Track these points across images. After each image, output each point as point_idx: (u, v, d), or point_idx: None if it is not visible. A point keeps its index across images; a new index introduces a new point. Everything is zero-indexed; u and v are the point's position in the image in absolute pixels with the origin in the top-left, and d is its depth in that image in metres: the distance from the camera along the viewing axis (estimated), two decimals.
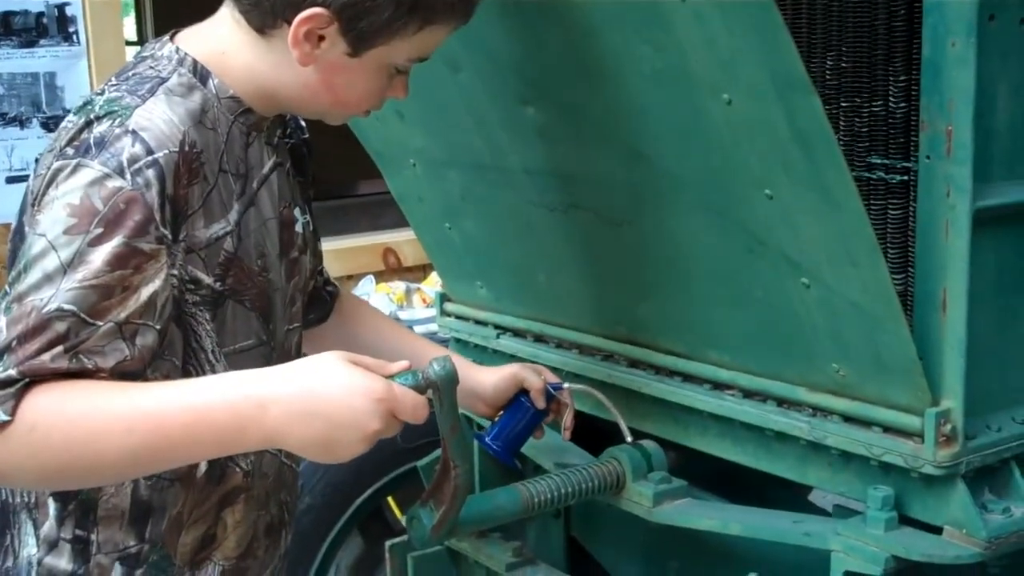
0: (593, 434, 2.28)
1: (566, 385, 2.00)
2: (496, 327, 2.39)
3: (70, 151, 1.35)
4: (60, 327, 1.28)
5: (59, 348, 1.28)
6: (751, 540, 1.92)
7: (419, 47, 1.48)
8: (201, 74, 1.45)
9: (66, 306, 1.29)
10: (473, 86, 1.95)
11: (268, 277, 1.54)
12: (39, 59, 3.96)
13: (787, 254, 1.66)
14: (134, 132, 1.35)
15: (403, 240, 4.69)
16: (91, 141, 1.34)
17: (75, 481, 1.38)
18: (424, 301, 4.45)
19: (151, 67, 1.44)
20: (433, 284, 4.45)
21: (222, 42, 1.48)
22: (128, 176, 1.32)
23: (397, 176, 2.34)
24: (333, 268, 4.82)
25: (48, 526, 1.47)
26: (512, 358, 2.36)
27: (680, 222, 1.81)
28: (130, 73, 1.45)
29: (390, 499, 2.83)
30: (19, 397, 1.26)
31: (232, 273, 1.47)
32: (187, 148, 1.38)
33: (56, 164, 1.34)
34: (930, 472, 1.64)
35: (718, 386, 1.94)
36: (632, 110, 1.72)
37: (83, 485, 1.42)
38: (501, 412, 2.00)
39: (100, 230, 1.31)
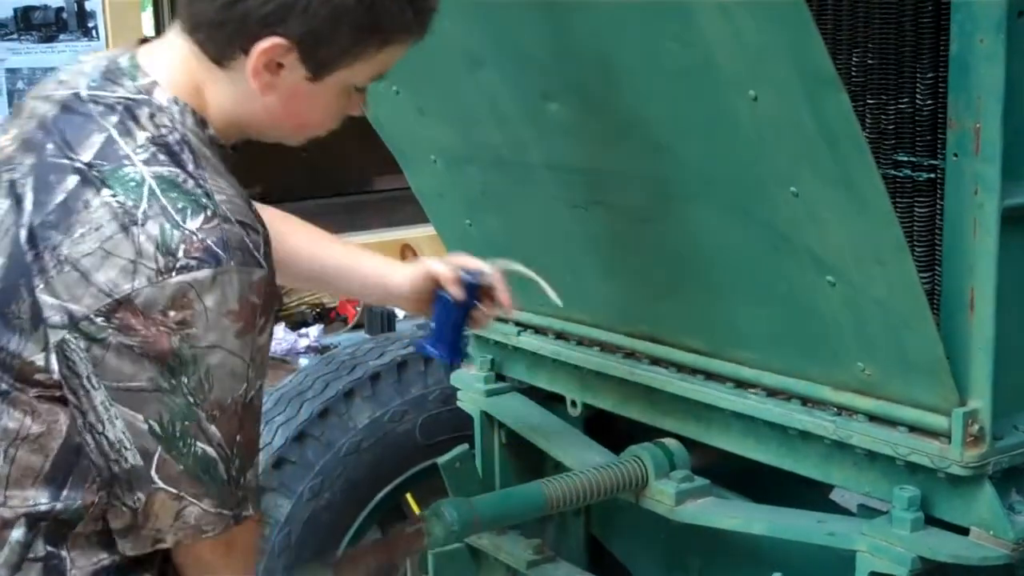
0: (614, 432, 2.27)
1: (484, 268, 1.93)
2: (517, 324, 2.38)
3: (192, 263, 1.30)
4: (256, 403, 1.40)
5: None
6: (774, 539, 1.92)
7: (378, 67, 1.47)
8: (202, 124, 1.43)
9: (254, 383, 1.38)
10: (495, 82, 1.94)
11: None
12: (59, 54, 3.97)
13: (812, 252, 1.65)
14: (240, 222, 1.34)
15: (421, 236, 4.68)
16: (211, 246, 1.31)
17: None
18: None
19: (165, 126, 1.39)
20: None
21: (194, 76, 1.44)
22: (263, 260, 1.35)
23: (418, 172, 2.34)
24: None
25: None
26: (533, 356, 2.35)
27: (704, 219, 1.79)
28: (140, 132, 1.38)
29: (409, 496, 2.82)
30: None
31: None
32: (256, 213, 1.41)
33: (179, 279, 1.29)
34: (957, 472, 1.62)
35: (741, 384, 1.93)
36: (656, 106, 1.71)
37: None
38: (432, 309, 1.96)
39: (263, 319, 1.36)
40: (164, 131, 1.38)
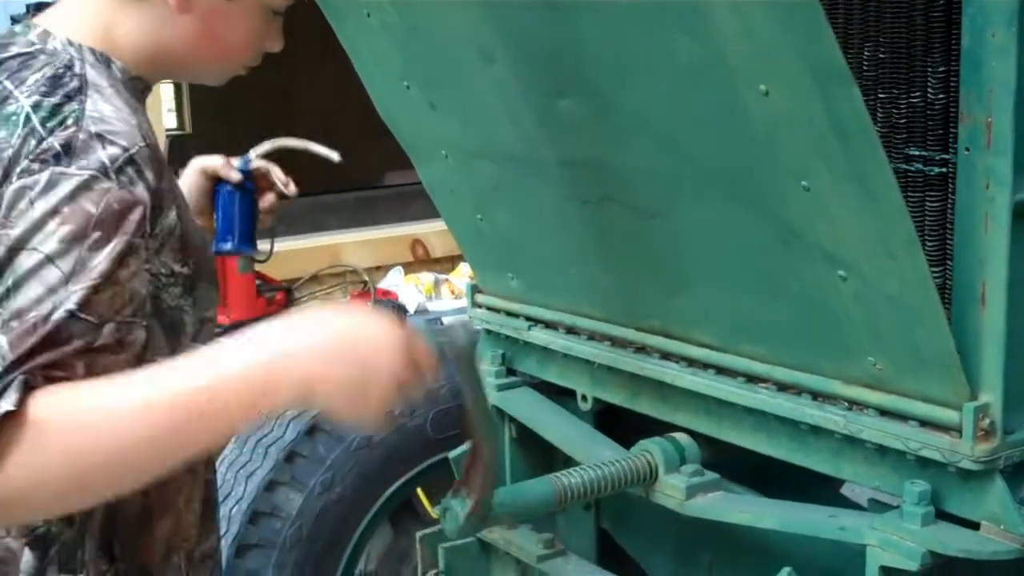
0: (624, 427, 2.27)
1: (251, 154, 1.92)
2: (527, 319, 2.38)
3: (35, 166, 1.27)
4: (75, 330, 1.24)
5: (74, 354, 1.24)
6: (785, 534, 1.91)
7: None
8: (104, 61, 1.41)
9: (78, 312, 1.24)
10: (507, 77, 1.94)
11: (207, 249, 1.54)
12: None
13: (824, 246, 1.64)
14: (99, 135, 1.30)
15: (431, 231, 4.69)
16: (57, 150, 1.28)
17: (94, 483, 1.26)
18: (452, 292, 4.45)
19: (51, 64, 1.37)
20: (461, 275, 4.45)
21: (99, 17, 1.43)
22: (113, 176, 1.29)
23: (429, 167, 2.34)
24: (362, 259, 4.86)
25: None
26: (544, 350, 2.36)
27: (715, 214, 1.79)
28: (32, 75, 1.36)
29: (419, 490, 2.83)
30: (24, 399, 1.19)
31: (191, 255, 1.44)
32: (147, 139, 1.35)
33: (20, 182, 1.27)
34: (968, 467, 1.62)
35: (752, 379, 1.92)
36: (667, 101, 1.71)
37: (102, 489, 1.30)
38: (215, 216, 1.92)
39: (98, 234, 1.27)
40: (52, 67, 1.36)
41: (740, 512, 1.94)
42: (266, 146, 1.94)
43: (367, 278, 4.49)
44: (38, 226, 1.25)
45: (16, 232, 1.26)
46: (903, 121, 1.71)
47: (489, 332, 2.50)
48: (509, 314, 2.43)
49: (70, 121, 1.30)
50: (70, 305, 1.24)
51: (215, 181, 1.90)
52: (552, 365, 2.37)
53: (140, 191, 1.31)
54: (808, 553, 1.94)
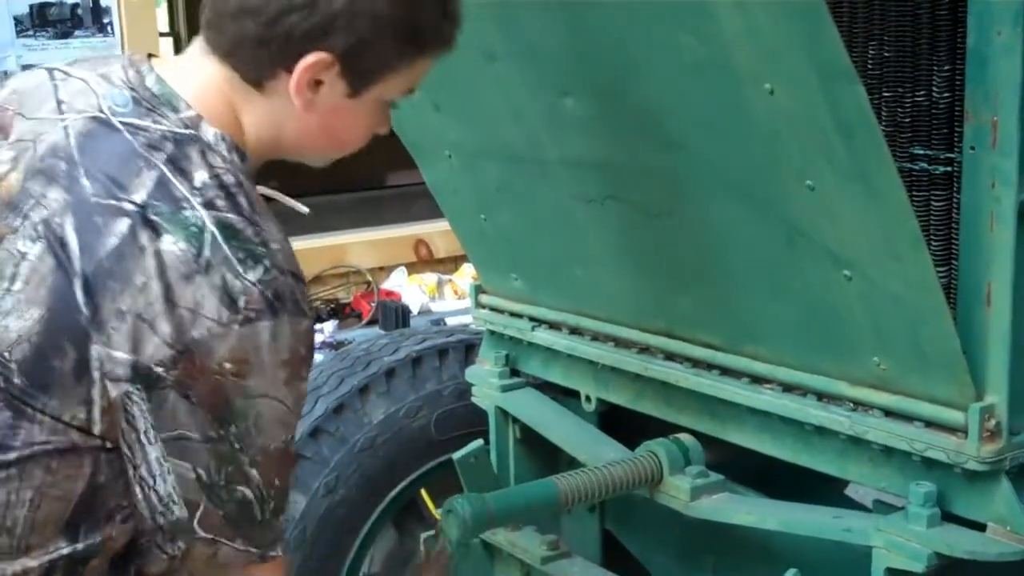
0: (628, 428, 2.27)
1: None
2: (531, 319, 2.38)
3: (251, 315, 1.29)
4: (294, 450, 1.43)
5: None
6: (789, 535, 1.91)
7: (412, 80, 1.47)
8: (242, 157, 1.40)
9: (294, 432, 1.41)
10: (511, 76, 1.94)
11: None
12: (74, 50, 3.98)
13: (828, 246, 1.64)
14: (291, 272, 1.34)
15: (435, 232, 4.69)
16: (270, 301, 1.31)
17: None
18: (456, 293, 4.45)
19: (219, 167, 1.35)
20: (465, 276, 4.44)
21: (229, 103, 1.40)
22: (308, 310, 1.36)
23: (432, 167, 2.33)
24: (365, 260, 4.86)
25: None
26: (548, 351, 2.35)
27: (719, 214, 1.79)
28: (197, 173, 1.33)
29: (423, 492, 2.82)
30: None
31: None
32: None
33: (243, 330, 1.29)
34: (973, 468, 1.62)
35: (756, 380, 1.92)
36: (672, 100, 1.71)
37: None
38: None
39: (306, 367, 1.38)
40: (219, 171, 1.35)
41: (745, 513, 1.93)
42: None
43: (371, 278, 4.49)
44: (270, 377, 1.33)
45: (246, 383, 1.31)
46: (908, 120, 1.70)
47: (493, 333, 2.49)
48: (513, 315, 2.43)
49: (267, 262, 1.32)
50: (294, 432, 1.40)
51: None
52: (556, 366, 2.36)
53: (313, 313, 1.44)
54: (813, 555, 1.93)
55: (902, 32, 1.68)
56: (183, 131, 1.36)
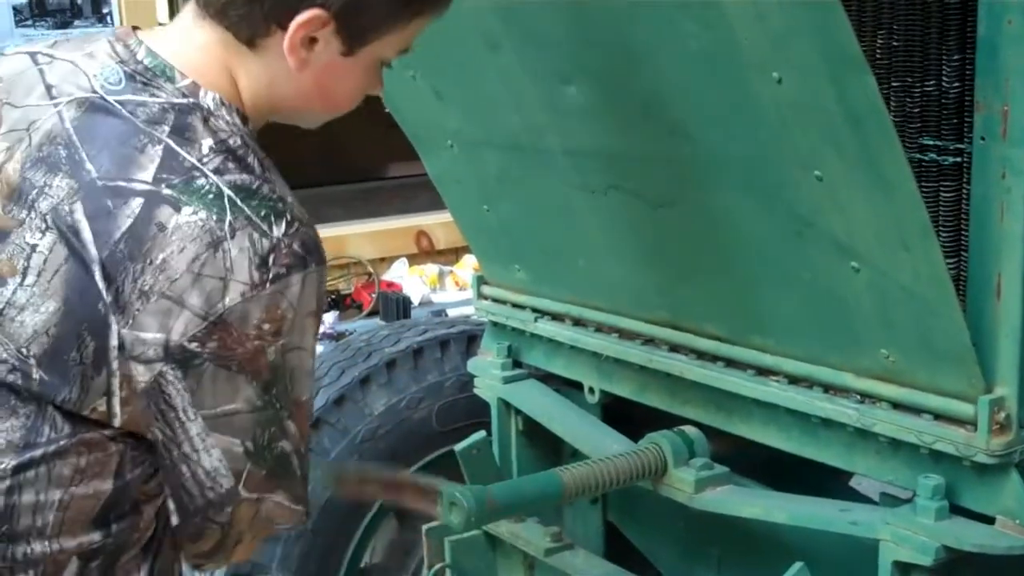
0: (632, 420, 2.25)
1: None
2: (534, 310, 2.36)
3: (282, 271, 1.27)
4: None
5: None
6: (794, 528, 1.89)
7: (408, 38, 1.44)
8: (243, 119, 1.38)
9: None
10: (513, 65, 1.92)
11: None
12: None
13: (836, 237, 1.62)
14: (304, 220, 1.32)
15: (436, 223, 4.68)
16: (300, 254, 1.29)
17: None
18: (457, 284, 4.44)
19: (223, 130, 1.33)
20: (466, 267, 4.44)
21: (224, 66, 1.38)
22: (324, 254, 1.36)
23: (434, 158, 2.32)
24: (366, 251, 4.85)
25: None
26: (550, 342, 2.34)
27: (725, 204, 1.77)
28: (203, 141, 1.31)
29: None
30: None
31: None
32: None
33: (272, 289, 1.27)
34: (983, 461, 1.60)
35: (762, 371, 1.90)
36: (677, 89, 1.69)
37: None
38: None
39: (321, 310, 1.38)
40: (224, 136, 1.33)
41: (750, 506, 1.92)
42: None
43: (371, 269, 4.48)
44: (299, 329, 1.31)
45: (288, 339, 1.30)
46: (917, 110, 1.69)
47: (495, 324, 2.48)
48: (515, 306, 2.41)
49: (289, 216, 1.30)
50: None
51: None
52: (559, 357, 2.35)
53: None
54: (819, 547, 1.92)
55: (911, 21, 1.66)
56: (182, 101, 1.33)
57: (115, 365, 1.26)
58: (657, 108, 1.75)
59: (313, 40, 1.35)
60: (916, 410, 1.68)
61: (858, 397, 1.75)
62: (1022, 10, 1.48)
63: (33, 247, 1.29)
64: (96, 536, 1.33)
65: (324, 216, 4.81)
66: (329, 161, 5.50)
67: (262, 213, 1.28)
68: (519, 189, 2.19)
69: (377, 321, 3.95)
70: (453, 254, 4.68)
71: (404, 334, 2.81)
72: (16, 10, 3.98)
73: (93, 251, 1.26)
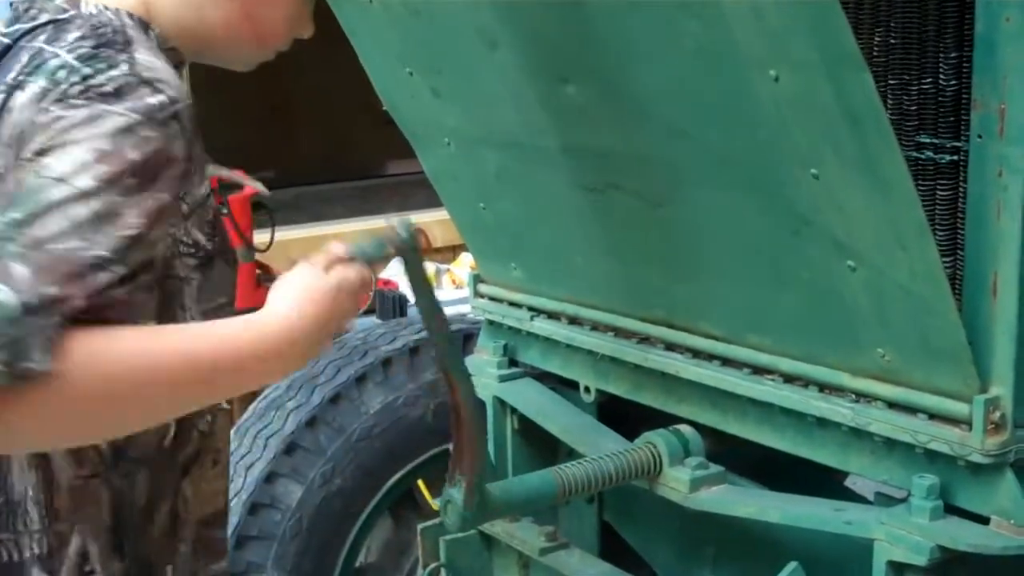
0: (628, 419, 2.25)
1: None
2: (530, 309, 2.36)
3: (78, 101, 1.22)
4: (103, 278, 1.15)
5: (101, 302, 1.15)
6: (790, 527, 1.89)
7: None
8: (142, 26, 1.38)
9: (109, 260, 1.16)
10: (510, 63, 1.91)
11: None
12: None
13: (833, 235, 1.62)
14: (149, 82, 1.25)
15: (432, 221, 4.66)
16: (108, 90, 1.23)
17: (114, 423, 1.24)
18: (454, 282, 4.43)
19: (90, 24, 1.32)
20: (462, 265, 4.43)
21: None
22: (158, 126, 1.23)
23: (431, 155, 2.31)
24: None
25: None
26: (547, 341, 2.33)
27: (722, 202, 1.77)
28: (71, 34, 1.31)
29: (420, 482, 2.81)
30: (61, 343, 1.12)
31: (218, 230, 1.42)
32: (188, 100, 1.31)
33: (55, 112, 1.21)
34: (978, 460, 1.60)
35: (758, 370, 1.90)
36: (675, 87, 1.68)
37: (116, 430, 1.29)
38: None
39: (134, 181, 1.19)
40: (101, 30, 1.32)
41: (745, 505, 1.92)
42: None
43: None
44: (73, 158, 1.18)
45: (46, 160, 1.18)
46: (914, 108, 1.69)
47: (491, 322, 2.47)
48: (512, 304, 2.41)
49: (123, 67, 1.25)
50: (101, 251, 1.15)
51: None
52: (555, 356, 2.34)
53: (180, 149, 1.26)
54: (814, 547, 1.91)
55: (909, 18, 1.66)
56: (61, 15, 1.35)
57: None
58: (654, 107, 1.75)
59: None
60: (911, 409, 1.67)
61: (853, 396, 1.75)
62: (1020, 8, 1.48)
63: None
64: None
65: (320, 214, 4.82)
66: (327, 159, 5.50)
67: (94, 63, 1.26)
68: (516, 187, 2.19)
69: (373, 319, 3.94)
70: (450, 252, 4.68)
71: (400, 332, 2.81)
72: (12, 5, 3.98)
73: None
